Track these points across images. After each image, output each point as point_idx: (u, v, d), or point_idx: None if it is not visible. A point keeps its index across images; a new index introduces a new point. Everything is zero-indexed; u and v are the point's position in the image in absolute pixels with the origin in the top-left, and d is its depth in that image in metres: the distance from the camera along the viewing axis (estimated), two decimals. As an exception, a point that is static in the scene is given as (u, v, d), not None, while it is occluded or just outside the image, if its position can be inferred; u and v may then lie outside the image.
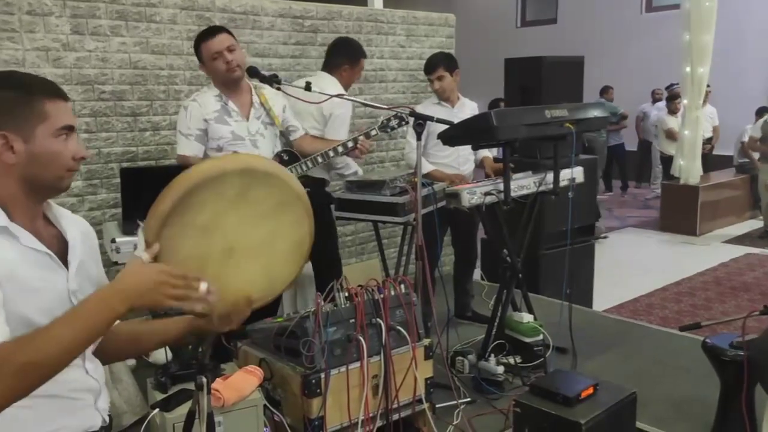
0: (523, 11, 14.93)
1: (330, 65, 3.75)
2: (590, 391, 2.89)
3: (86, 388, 1.45)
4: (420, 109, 3.62)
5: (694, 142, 8.21)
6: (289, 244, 1.63)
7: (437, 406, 3.16)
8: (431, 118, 2.94)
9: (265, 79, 3.00)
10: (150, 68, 3.87)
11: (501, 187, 3.48)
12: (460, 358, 3.69)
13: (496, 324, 3.72)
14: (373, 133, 3.32)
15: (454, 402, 3.15)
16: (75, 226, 1.50)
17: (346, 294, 2.53)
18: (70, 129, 1.39)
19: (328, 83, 3.56)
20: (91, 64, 3.68)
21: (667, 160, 9.18)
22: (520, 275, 3.77)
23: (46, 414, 1.35)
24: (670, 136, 9.28)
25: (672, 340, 4.16)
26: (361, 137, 3.26)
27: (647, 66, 11.91)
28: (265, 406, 2.57)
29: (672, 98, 9.54)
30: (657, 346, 4.12)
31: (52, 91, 1.38)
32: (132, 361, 3.29)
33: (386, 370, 2.53)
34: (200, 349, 2.42)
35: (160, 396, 2.27)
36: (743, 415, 2.84)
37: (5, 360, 1.17)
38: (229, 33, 3.16)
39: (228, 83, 3.14)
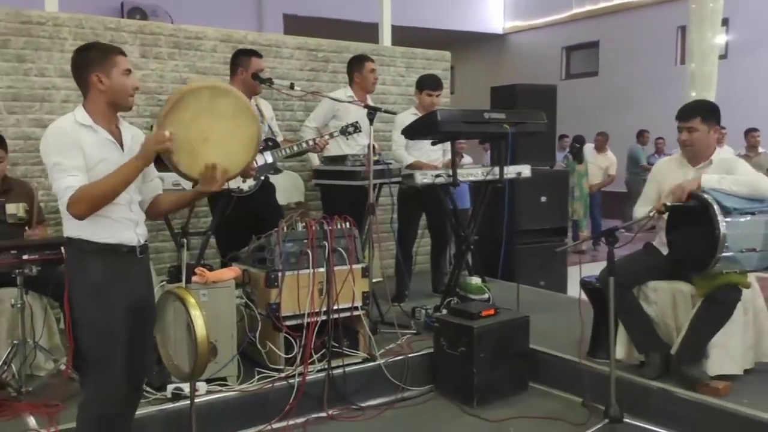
0: (567, 65, 15.90)
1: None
2: (491, 312, 3.81)
3: (128, 218, 2.53)
4: (404, 115, 4.90)
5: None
6: (244, 138, 2.58)
7: (383, 331, 4.12)
8: (379, 109, 4.04)
9: (263, 81, 4.14)
10: (195, 85, 5.12)
11: (451, 172, 4.48)
12: (419, 309, 4.62)
13: (452, 284, 4.66)
14: (336, 134, 4.43)
15: (397, 330, 4.10)
16: (129, 130, 2.62)
17: (303, 224, 3.58)
18: (129, 71, 2.52)
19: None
20: (153, 80, 4.96)
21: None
22: (472, 247, 4.71)
23: (108, 225, 2.47)
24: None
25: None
26: (322, 138, 4.36)
27: (681, 113, 12.54)
28: (246, 304, 3.63)
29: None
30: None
31: (119, 51, 2.54)
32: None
33: (329, 276, 3.54)
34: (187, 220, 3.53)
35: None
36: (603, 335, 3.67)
37: (84, 194, 2.33)
38: None
39: (251, 93, 4.20)
